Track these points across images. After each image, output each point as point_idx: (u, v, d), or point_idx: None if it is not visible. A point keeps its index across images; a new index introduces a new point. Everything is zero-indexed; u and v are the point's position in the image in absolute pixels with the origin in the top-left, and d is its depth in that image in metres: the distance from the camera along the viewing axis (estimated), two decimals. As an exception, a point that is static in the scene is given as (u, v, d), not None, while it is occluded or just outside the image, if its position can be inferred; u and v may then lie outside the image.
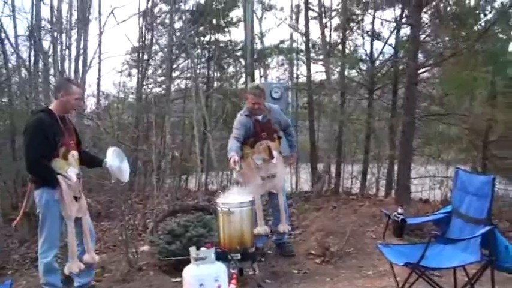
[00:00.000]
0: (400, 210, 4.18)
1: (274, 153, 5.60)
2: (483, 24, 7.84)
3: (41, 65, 9.72)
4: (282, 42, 11.70)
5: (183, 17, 11.32)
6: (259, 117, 5.62)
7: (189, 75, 12.00)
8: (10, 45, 10.05)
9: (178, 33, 11.43)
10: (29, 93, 9.49)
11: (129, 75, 12.71)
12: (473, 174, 4.22)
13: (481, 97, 8.09)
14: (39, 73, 9.73)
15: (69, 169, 4.45)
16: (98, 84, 11.57)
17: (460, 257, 3.63)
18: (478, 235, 3.48)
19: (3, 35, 9.90)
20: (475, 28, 7.92)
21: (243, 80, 11.70)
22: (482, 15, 7.81)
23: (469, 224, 3.78)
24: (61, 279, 4.57)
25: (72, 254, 4.50)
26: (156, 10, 12.04)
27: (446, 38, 8.65)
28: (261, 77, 12.00)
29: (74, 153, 4.56)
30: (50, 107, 4.57)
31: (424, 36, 8.68)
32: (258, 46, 11.58)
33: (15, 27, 10.38)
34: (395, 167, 8.54)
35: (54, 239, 4.46)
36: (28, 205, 4.73)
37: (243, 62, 11.57)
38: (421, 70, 8.29)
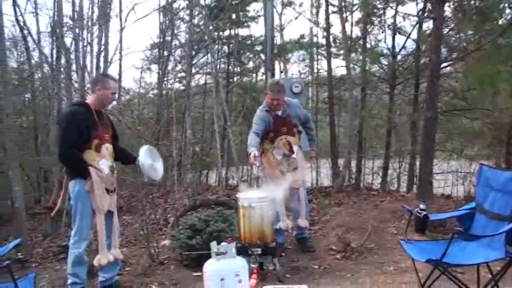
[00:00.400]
0: (422, 206, 4.13)
1: (295, 147, 5.59)
2: (508, 17, 7.73)
3: (63, 61, 9.82)
4: (302, 37, 11.65)
5: (203, 12, 11.34)
6: (279, 112, 5.60)
7: (209, 70, 12.04)
8: (33, 41, 10.18)
9: (197, 29, 11.44)
10: (51, 89, 9.60)
11: (148, 69, 12.79)
12: (497, 170, 4.14)
13: (505, 92, 7.96)
14: (62, 69, 9.82)
15: (101, 161, 4.52)
16: (119, 80, 11.67)
17: (483, 254, 3.57)
18: (503, 232, 3.43)
19: (26, 31, 10.04)
20: (500, 22, 7.79)
21: (263, 74, 11.71)
22: (507, 9, 7.70)
23: (493, 221, 3.72)
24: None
25: (101, 246, 4.55)
26: (175, 6, 12.09)
27: (470, 32, 8.53)
28: (281, 71, 11.98)
29: (108, 146, 4.62)
30: (86, 101, 4.68)
31: (447, 30, 8.57)
32: (278, 41, 11.55)
33: (37, 23, 10.55)
34: (417, 162, 8.47)
35: (85, 230, 4.52)
36: (66, 196, 4.80)
37: (263, 56, 11.56)
38: (443, 64, 8.19)
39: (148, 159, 4.88)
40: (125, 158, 5.02)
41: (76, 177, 4.48)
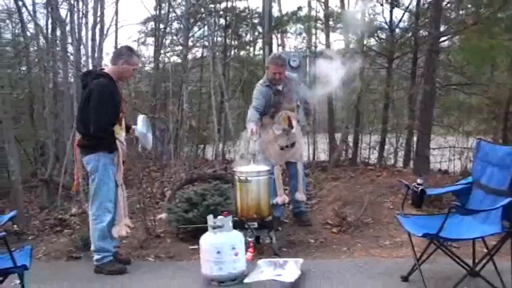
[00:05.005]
0: (419, 181, 4.13)
1: (294, 122, 5.56)
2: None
3: (58, 33, 9.69)
4: (299, 9, 11.48)
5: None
6: (279, 87, 5.56)
7: (206, 43, 11.92)
8: (28, 13, 10.03)
9: (194, 1, 11.29)
10: (46, 62, 9.50)
11: (143, 43, 12.62)
12: (495, 145, 4.14)
13: (503, 66, 7.91)
14: (57, 41, 9.70)
15: (123, 134, 4.61)
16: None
17: (480, 229, 3.59)
18: (499, 206, 3.43)
19: (20, 3, 9.89)
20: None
21: (260, 48, 11.58)
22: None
23: (489, 196, 3.73)
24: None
25: (121, 217, 4.63)
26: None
27: (469, 5, 8.43)
28: (278, 45, 11.84)
29: (123, 119, 4.67)
30: (107, 72, 4.60)
31: (445, 2, 8.45)
32: (276, 13, 11.39)
33: (32, -6, 10.34)
34: (414, 138, 8.45)
35: (110, 204, 4.56)
36: (80, 171, 4.80)
37: (260, 30, 11.43)
38: (442, 39, 8.11)
39: (144, 129, 4.89)
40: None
41: (99, 151, 4.47)
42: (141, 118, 4.93)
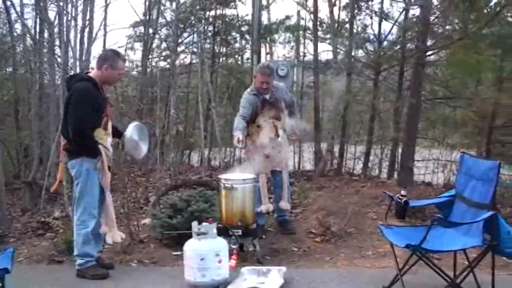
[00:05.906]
0: (403, 192, 4.17)
1: (280, 131, 5.59)
2: (493, 6, 7.75)
3: (46, 35, 9.64)
4: (287, 18, 11.54)
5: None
6: (267, 96, 5.59)
7: (194, 50, 11.94)
8: (16, 13, 9.97)
9: (183, 7, 11.30)
10: (33, 63, 9.44)
11: (132, 48, 12.56)
12: (479, 159, 4.19)
13: (488, 81, 8.02)
14: (45, 43, 9.64)
15: (108, 139, 4.53)
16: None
17: (461, 241, 3.63)
18: (481, 220, 3.48)
19: (8, 3, 9.83)
20: (485, 11, 7.81)
21: (248, 56, 11.62)
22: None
23: (472, 209, 3.77)
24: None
25: (113, 223, 4.62)
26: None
27: (456, 21, 8.55)
28: (267, 53, 11.89)
29: (110, 123, 4.60)
30: (91, 76, 4.54)
31: (433, 17, 8.56)
32: (264, 21, 11.44)
33: (21, -5, 10.28)
34: (399, 149, 8.52)
35: (94, 209, 4.51)
36: (63, 174, 4.73)
37: (248, 37, 11.48)
38: (428, 52, 8.21)
39: (135, 136, 4.80)
40: (113, 132, 4.94)
41: (82, 156, 4.42)
42: (133, 124, 4.86)
